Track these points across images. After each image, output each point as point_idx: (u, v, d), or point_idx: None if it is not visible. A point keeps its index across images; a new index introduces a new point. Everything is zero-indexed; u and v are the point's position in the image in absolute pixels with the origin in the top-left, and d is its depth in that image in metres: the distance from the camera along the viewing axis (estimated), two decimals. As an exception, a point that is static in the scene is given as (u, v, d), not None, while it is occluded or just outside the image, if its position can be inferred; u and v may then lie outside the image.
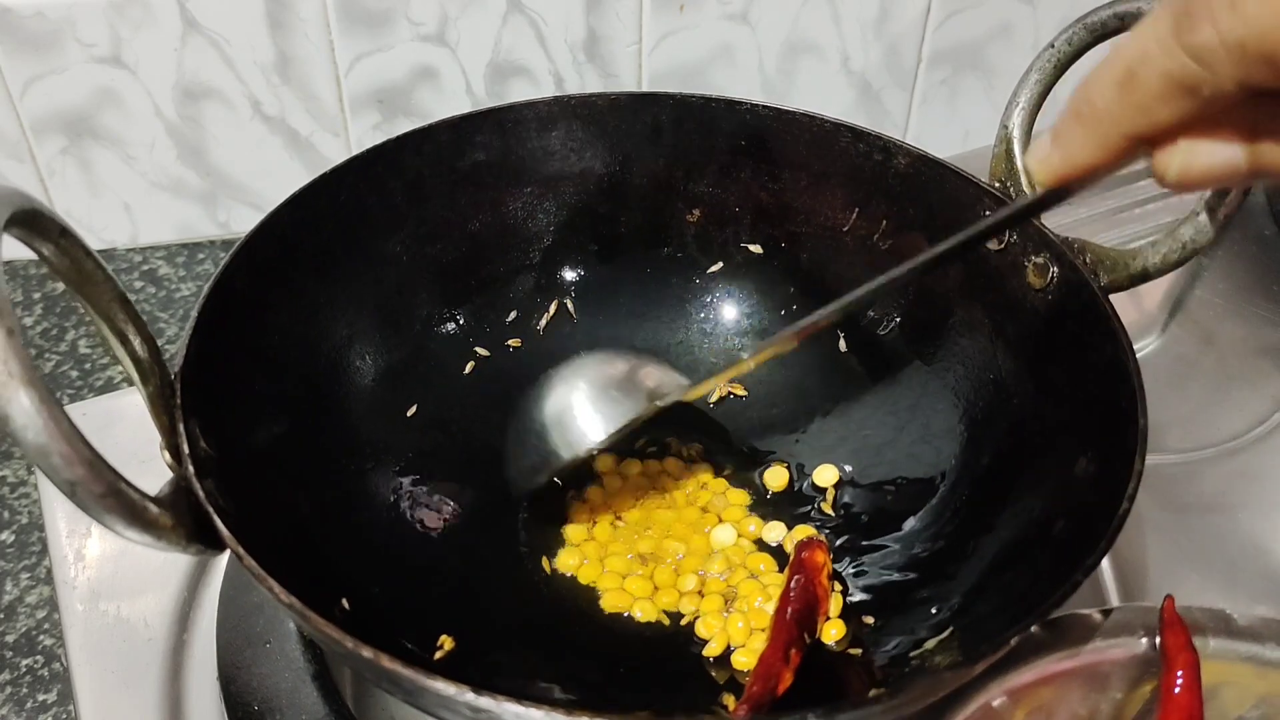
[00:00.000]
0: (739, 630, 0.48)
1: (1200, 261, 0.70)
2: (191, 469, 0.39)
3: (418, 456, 0.53)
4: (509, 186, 0.56)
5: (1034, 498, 0.47)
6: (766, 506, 0.54)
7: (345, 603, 0.44)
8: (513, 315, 0.58)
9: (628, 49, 0.76)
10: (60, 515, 0.55)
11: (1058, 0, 0.81)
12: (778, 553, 0.52)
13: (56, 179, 0.73)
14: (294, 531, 0.45)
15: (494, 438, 0.55)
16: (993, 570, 0.46)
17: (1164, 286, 0.70)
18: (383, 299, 0.54)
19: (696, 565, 0.51)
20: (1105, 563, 0.53)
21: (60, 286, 0.73)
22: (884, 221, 0.55)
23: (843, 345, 0.57)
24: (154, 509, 0.35)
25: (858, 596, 0.49)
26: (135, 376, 0.40)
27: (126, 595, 0.52)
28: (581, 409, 0.49)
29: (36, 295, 0.73)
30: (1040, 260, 0.49)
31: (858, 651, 0.47)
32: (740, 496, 0.54)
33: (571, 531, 0.53)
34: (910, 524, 0.51)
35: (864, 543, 0.51)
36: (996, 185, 0.52)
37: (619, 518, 0.53)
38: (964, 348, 0.53)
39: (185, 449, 0.39)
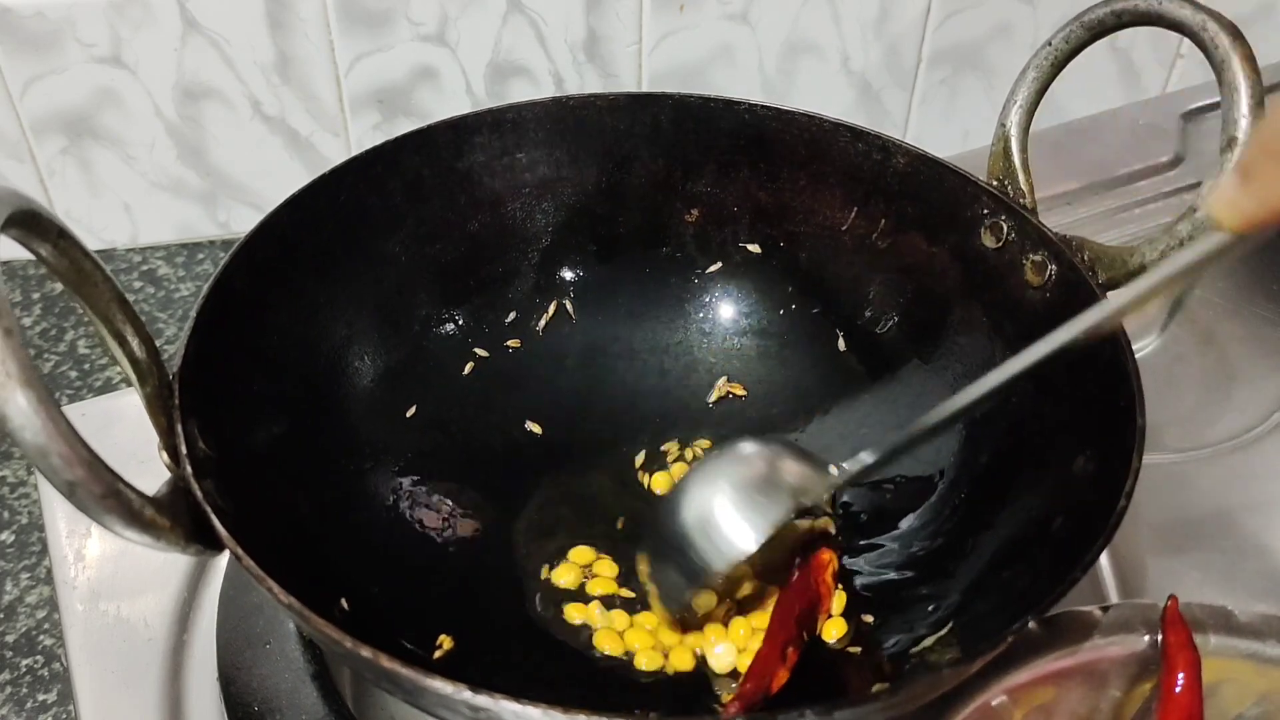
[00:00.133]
0: (739, 636, 0.48)
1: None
2: (190, 469, 0.39)
3: (417, 457, 0.53)
4: (508, 187, 0.56)
5: (1033, 496, 0.47)
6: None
7: (344, 603, 0.44)
8: (512, 316, 0.58)
9: (628, 49, 0.76)
10: (60, 515, 0.55)
11: (1057, 0, 0.81)
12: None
13: (56, 179, 0.73)
14: (293, 532, 0.45)
15: (493, 438, 0.55)
16: (991, 568, 0.46)
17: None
18: (382, 299, 0.54)
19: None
20: (1104, 561, 0.53)
21: (59, 287, 0.73)
22: (883, 221, 0.55)
23: (841, 344, 0.57)
24: (152, 509, 0.35)
25: (856, 595, 0.49)
26: (133, 377, 0.40)
27: (126, 595, 0.52)
28: (726, 516, 0.46)
29: (35, 296, 0.73)
30: (1038, 258, 0.49)
31: (857, 650, 0.47)
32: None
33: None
34: (909, 522, 0.51)
35: (862, 541, 0.51)
36: (994, 184, 0.52)
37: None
38: (963, 346, 0.53)
39: (183, 449, 0.39)
